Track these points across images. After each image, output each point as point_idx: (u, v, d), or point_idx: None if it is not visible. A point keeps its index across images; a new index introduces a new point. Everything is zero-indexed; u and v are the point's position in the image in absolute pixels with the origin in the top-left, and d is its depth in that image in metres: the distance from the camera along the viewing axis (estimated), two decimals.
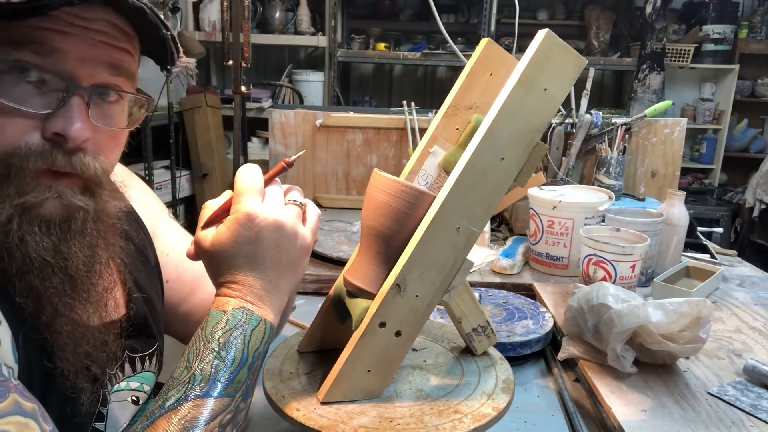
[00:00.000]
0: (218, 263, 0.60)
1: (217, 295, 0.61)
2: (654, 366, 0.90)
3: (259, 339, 0.59)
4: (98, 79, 0.56)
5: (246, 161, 3.30)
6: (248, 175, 0.61)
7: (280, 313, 0.63)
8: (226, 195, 0.63)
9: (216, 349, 0.56)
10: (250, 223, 0.58)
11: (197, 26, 3.71)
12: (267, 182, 0.62)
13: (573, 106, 1.73)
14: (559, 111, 1.71)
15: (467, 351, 0.76)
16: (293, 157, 0.65)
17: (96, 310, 0.62)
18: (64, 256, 0.56)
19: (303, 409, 0.62)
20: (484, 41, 0.73)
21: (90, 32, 0.54)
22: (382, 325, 0.62)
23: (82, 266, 0.58)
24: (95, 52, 0.55)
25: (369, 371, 0.64)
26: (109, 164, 0.60)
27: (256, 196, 0.60)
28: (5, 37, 0.50)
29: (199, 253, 0.62)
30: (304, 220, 0.64)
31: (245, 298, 0.59)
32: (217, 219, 0.62)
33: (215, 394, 0.54)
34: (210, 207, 0.63)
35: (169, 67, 0.64)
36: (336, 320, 0.72)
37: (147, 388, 0.72)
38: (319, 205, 0.70)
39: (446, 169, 0.72)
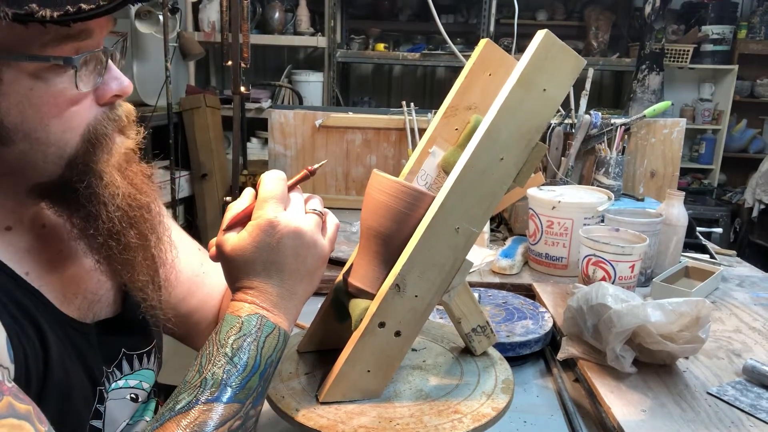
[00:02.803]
0: (237, 268, 0.60)
1: (232, 300, 0.61)
2: (653, 366, 0.90)
3: (273, 346, 0.59)
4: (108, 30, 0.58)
5: (245, 162, 3.30)
6: (272, 181, 0.62)
7: (294, 321, 0.63)
8: (248, 193, 0.64)
9: (229, 354, 0.56)
10: (271, 230, 0.59)
11: (196, 27, 3.71)
12: (289, 189, 0.63)
13: (572, 106, 1.73)
14: (559, 111, 1.71)
15: (467, 351, 0.76)
16: (316, 166, 0.66)
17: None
18: (140, 203, 0.62)
19: (302, 409, 0.62)
20: (483, 42, 0.73)
21: None
22: (382, 325, 0.62)
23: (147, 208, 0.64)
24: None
25: (368, 371, 0.64)
26: None
27: (279, 204, 0.61)
28: (57, 36, 0.51)
29: (219, 255, 0.62)
30: (323, 229, 0.64)
31: (260, 305, 0.60)
32: (239, 222, 0.62)
33: (225, 399, 0.54)
34: (234, 209, 0.63)
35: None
36: (336, 320, 0.72)
37: (146, 385, 0.72)
38: None
39: (445, 169, 0.72)
